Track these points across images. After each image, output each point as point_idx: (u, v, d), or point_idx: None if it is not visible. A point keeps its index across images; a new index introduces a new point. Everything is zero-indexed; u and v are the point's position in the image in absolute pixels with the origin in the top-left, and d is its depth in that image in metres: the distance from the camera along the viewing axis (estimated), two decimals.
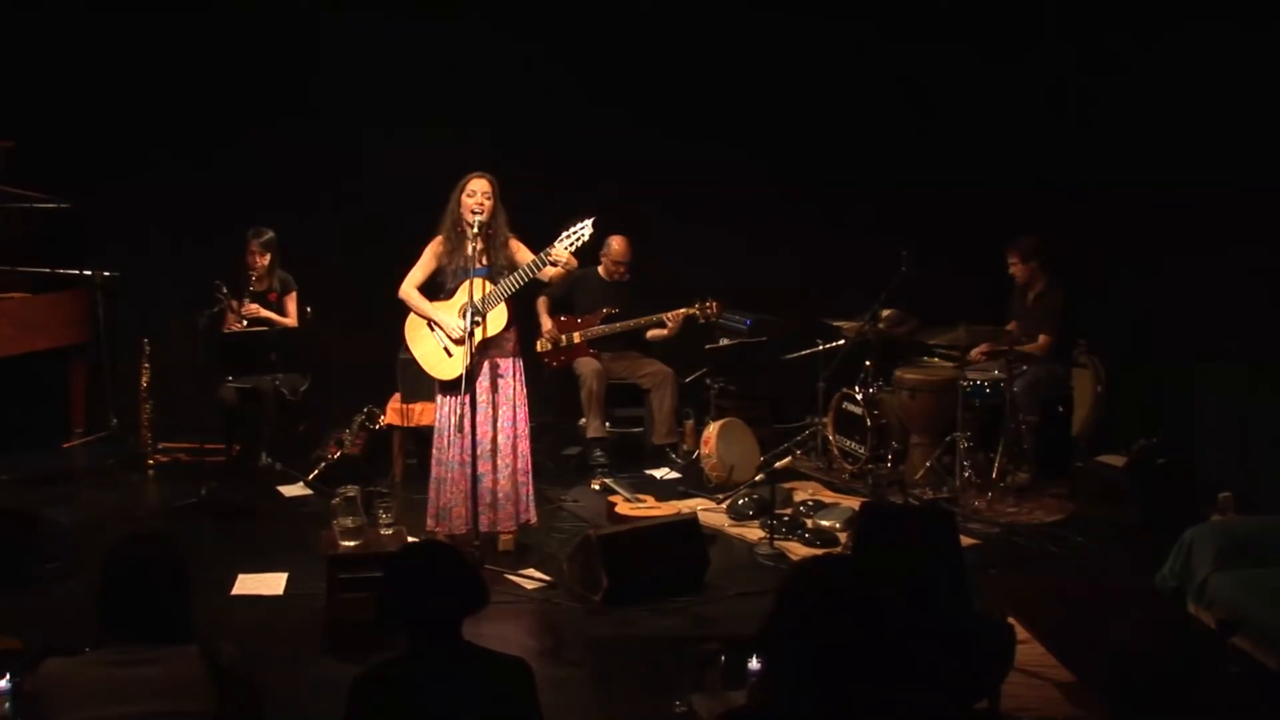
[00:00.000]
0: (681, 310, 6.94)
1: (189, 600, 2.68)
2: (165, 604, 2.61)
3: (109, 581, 2.62)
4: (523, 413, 5.47)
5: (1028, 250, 6.73)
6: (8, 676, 3.03)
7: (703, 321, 6.96)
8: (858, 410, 6.86)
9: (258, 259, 6.73)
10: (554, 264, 5.25)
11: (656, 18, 7.66)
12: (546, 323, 7.13)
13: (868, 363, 6.93)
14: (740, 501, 6.20)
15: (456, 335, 5.34)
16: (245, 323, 6.64)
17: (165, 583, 2.63)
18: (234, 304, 6.60)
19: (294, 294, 6.89)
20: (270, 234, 6.78)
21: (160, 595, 2.61)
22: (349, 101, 7.56)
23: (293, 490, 6.55)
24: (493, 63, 7.60)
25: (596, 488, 6.50)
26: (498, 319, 5.29)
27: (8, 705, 2.98)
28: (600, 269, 7.22)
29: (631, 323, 7.02)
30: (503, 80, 7.60)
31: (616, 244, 7.13)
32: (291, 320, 6.85)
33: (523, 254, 5.36)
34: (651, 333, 7.06)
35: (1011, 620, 3.85)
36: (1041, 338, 6.69)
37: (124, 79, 7.40)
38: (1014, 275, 6.82)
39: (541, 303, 7.12)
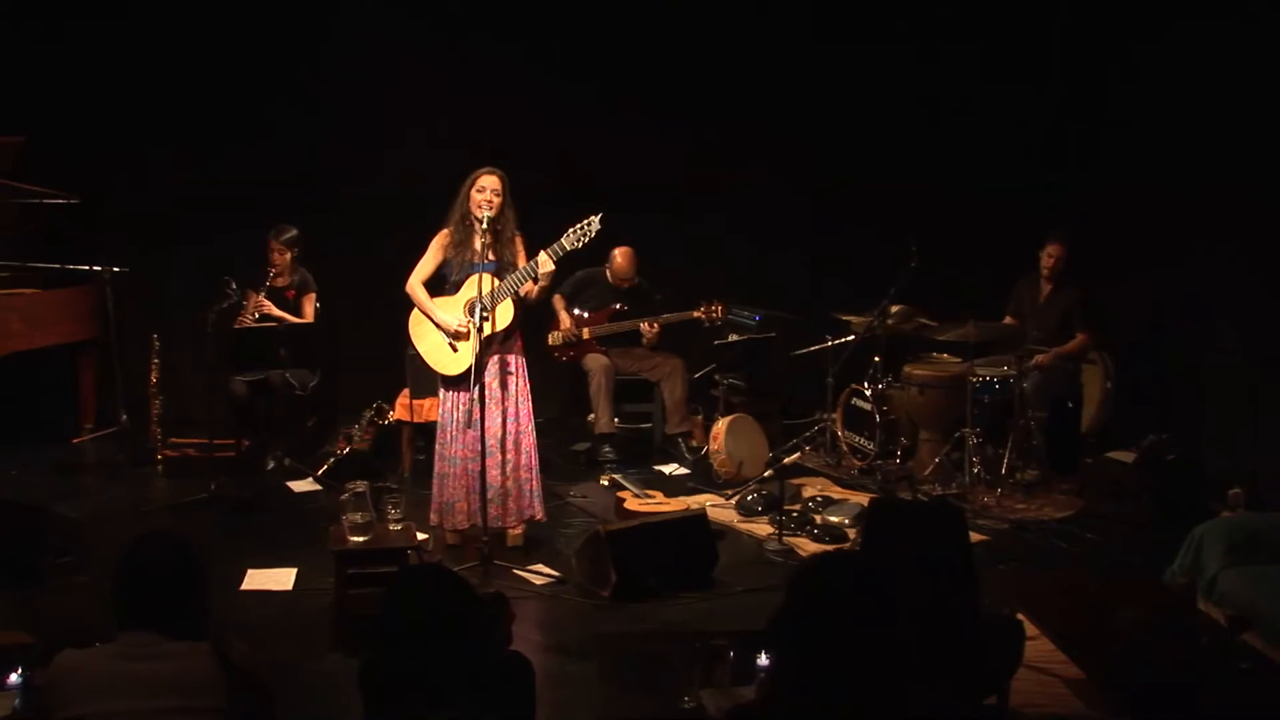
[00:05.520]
0: (684, 314, 6.97)
1: (206, 600, 2.71)
2: (185, 602, 2.65)
3: (128, 575, 2.63)
4: (526, 408, 5.48)
5: (1073, 245, 6.72)
6: (19, 670, 3.05)
7: (708, 325, 6.98)
8: (866, 406, 6.87)
9: (277, 256, 6.75)
10: (540, 272, 5.24)
11: (664, 20, 7.67)
12: (565, 318, 7.14)
13: (876, 358, 6.94)
14: (749, 497, 6.22)
15: (453, 330, 5.36)
16: (256, 316, 6.64)
17: (185, 581, 2.67)
18: (249, 292, 6.63)
19: (312, 296, 6.89)
20: (292, 232, 6.79)
21: (181, 593, 2.65)
22: (358, 99, 7.58)
23: (301, 485, 6.58)
24: (500, 63, 7.61)
25: (605, 483, 6.52)
26: (504, 314, 5.30)
27: (18, 700, 3.00)
28: (607, 274, 7.24)
29: (640, 322, 7.05)
30: (509, 81, 7.60)
31: (620, 258, 7.15)
32: (307, 320, 6.87)
33: (523, 256, 5.37)
34: (647, 333, 7.06)
35: (1020, 616, 3.86)
36: (1081, 336, 6.69)
37: (134, 75, 7.42)
38: (1049, 266, 6.75)
39: (558, 300, 7.14)
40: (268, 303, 6.69)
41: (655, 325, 7.02)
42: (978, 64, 7.77)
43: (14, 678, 3.05)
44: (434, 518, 5.52)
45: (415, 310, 5.51)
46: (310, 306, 6.90)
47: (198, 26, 7.46)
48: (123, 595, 2.62)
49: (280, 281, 6.80)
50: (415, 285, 5.46)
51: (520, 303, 5.37)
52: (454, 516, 5.43)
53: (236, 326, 6.59)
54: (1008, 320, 6.97)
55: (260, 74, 7.48)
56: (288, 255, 6.79)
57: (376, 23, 7.59)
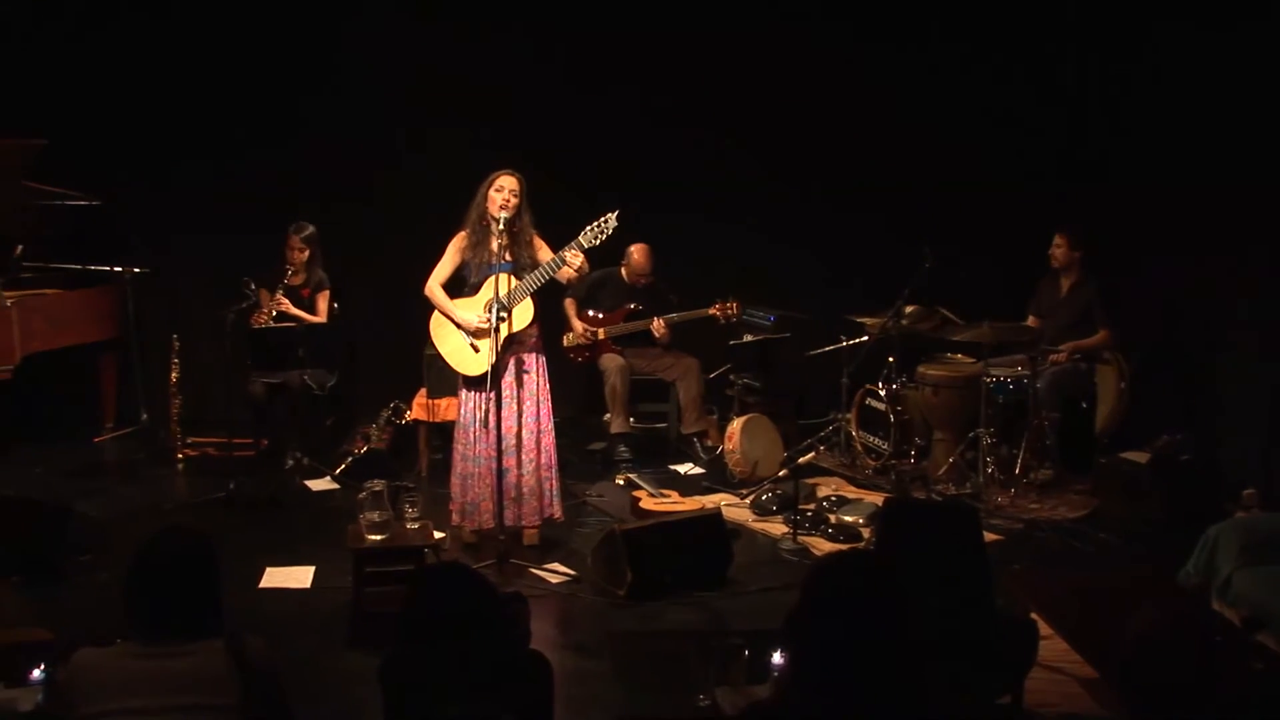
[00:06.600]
0: (700, 312, 6.99)
1: (219, 596, 2.71)
2: (194, 600, 2.65)
3: (140, 576, 2.65)
4: (546, 407, 5.51)
5: (1079, 236, 6.73)
6: (41, 667, 3.09)
7: (723, 322, 6.99)
8: (881, 406, 6.88)
9: (296, 254, 6.80)
10: (570, 265, 5.24)
11: (681, 21, 7.68)
12: (577, 325, 7.18)
13: (891, 359, 6.95)
14: (764, 497, 6.23)
15: (473, 330, 5.38)
16: (274, 313, 6.68)
17: (196, 578, 2.67)
18: (266, 294, 6.67)
19: (326, 294, 6.94)
20: (311, 229, 6.85)
21: (190, 591, 2.65)
22: (376, 101, 7.61)
23: (319, 484, 6.61)
24: (516, 66, 7.63)
25: (621, 483, 6.51)
26: (523, 314, 5.31)
27: (40, 695, 3.03)
28: (622, 272, 7.26)
29: (654, 321, 7.07)
30: (526, 83, 7.62)
31: (637, 254, 7.17)
32: (321, 318, 6.91)
33: (544, 252, 5.38)
34: (658, 331, 7.08)
35: (1034, 616, 3.87)
36: (1102, 332, 6.70)
37: (154, 78, 7.47)
38: (1054, 259, 6.78)
39: (569, 304, 7.17)
40: (285, 301, 6.73)
41: (662, 322, 7.02)
42: (992, 65, 7.76)
43: (36, 674, 3.08)
44: (456, 518, 5.54)
45: (436, 312, 5.53)
46: (324, 304, 6.95)
47: (214, 29, 7.50)
48: (136, 594, 2.63)
49: (296, 280, 6.85)
50: (434, 287, 5.49)
51: (538, 303, 5.38)
52: (479, 516, 5.45)
53: (254, 325, 6.63)
54: (1031, 320, 6.97)
55: (276, 76, 7.52)
56: (306, 253, 6.83)
57: (394, 23, 7.60)
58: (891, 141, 7.73)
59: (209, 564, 2.70)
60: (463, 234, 5.45)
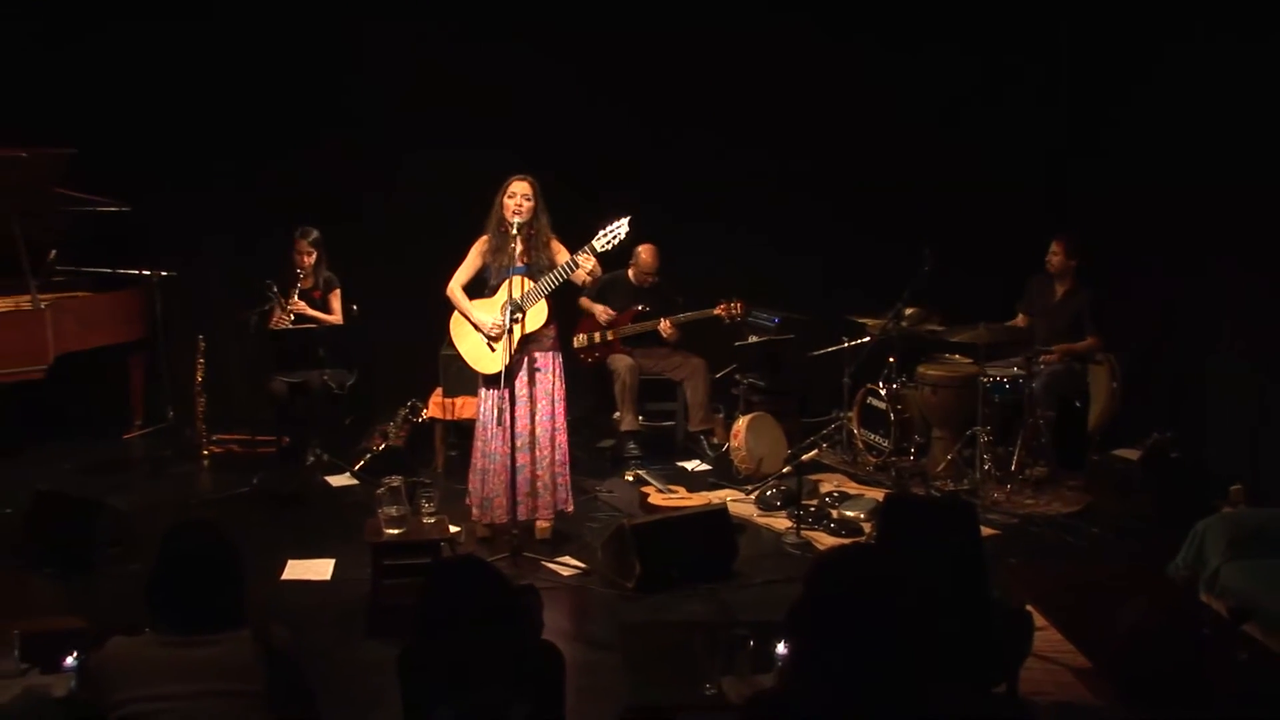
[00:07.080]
0: (705, 312, 7.08)
1: (240, 589, 2.76)
2: (212, 592, 2.70)
3: (157, 572, 2.70)
4: (560, 406, 5.61)
5: (1075, 244, 6.81)
6: (74, 654, 3.19)
7: (728, 322, 7.05)
8: (882, 405, 6.95)
9: (305, 258, 6.89)
10: (582, 269, 5.35)
11: (684, 25, 7.75)
12: (599, 311, 7.26)
13: (891, 359, 7.02)
14: (768, 493, 6.31)
15: (488, 330, 5.50)
16: (292, 317, 6.80)
17: (211, 571, 2.71)
18: (283, 300, 6.77)
19: (338, 291, 7.04)
20: (316, 233, 6.93)
21: (206, 584, 2.70)
22: (391, 108, 7.70)
23: (339, 480, 6.70)
24: (526, 69, 7.71)
25: (630, 479, 6.61)
26: (537, 315, 5.44)
27: (73, 682, 3.15)
28: (630, 274, 7.37)
29: (662, 321, 7.16)
30: (536, 86, 7.71)
31: (645, 254, 7.26)
32: (336, 317, 7.01)
33: (562, 255, 5.49)
34: (665, 330, 7.18)
35: (1029, 607, 3.97)
36: (1090, 339, 6.78)
37: (180, 90, 7.59)
38: (1051, 265, 6.85)
39: (585, 301, 7.28)
40: (302, 303, 6.84)
41: (670, 322, 7.10)
42: (990, 69, 7.82)
43: (69, 661, 3.11)
44: (475, 512, 5.64)
45: (456, 313, 5.66)
46: (337, 302, 7.04)
47: (238, 43, 7.61)
48: (159, 590, 2.70)
49: (307, 283, 6.94)
50: (454, 289, 5.62)
51: (553, 304, 5.50)
52: (494, 510, 5.56)
53: (275, 328, 6.73)
54: (1020, 317, 7.04)
55: (297, 88, 7.62)
56: (313, 256, 6.93)
57: (408, 36, 7.67)
58: (891, 142, 7.78)
59: (223, 556, 2.75)
60: (484, 238, 5.58)
